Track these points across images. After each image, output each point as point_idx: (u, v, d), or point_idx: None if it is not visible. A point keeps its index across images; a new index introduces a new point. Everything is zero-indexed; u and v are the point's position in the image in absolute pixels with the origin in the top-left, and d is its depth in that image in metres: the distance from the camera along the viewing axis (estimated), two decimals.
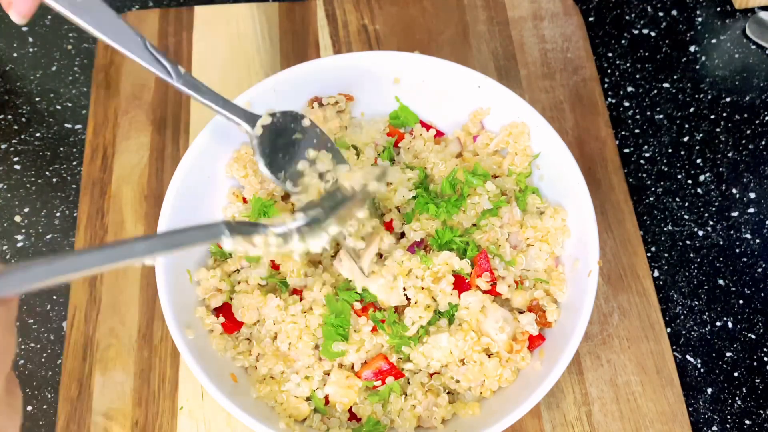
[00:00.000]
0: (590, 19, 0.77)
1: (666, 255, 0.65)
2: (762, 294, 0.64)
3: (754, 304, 0.63)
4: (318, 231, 0.48)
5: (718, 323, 0.63)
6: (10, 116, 0.72)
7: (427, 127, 0.64)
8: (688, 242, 0.66)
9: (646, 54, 0.75)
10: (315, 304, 0.54)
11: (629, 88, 0.73)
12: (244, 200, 0.60)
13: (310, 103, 0.62)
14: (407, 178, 0.58)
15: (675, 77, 0.74)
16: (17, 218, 0.67)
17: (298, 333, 0.53)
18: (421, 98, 0.63)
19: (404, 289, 0.54)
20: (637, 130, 0.71)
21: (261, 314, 0.55)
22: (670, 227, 0.67)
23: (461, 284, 0.55)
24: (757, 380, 0.60)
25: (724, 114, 0.72)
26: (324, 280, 0.55)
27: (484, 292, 0.55)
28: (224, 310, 0.56)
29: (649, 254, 0.65)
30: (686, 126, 0.71)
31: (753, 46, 0.75)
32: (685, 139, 0.71)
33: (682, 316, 0.63)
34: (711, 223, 0.67)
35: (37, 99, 0.72)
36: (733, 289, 0.64)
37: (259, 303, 0.55)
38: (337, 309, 0.54)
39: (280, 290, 0.56)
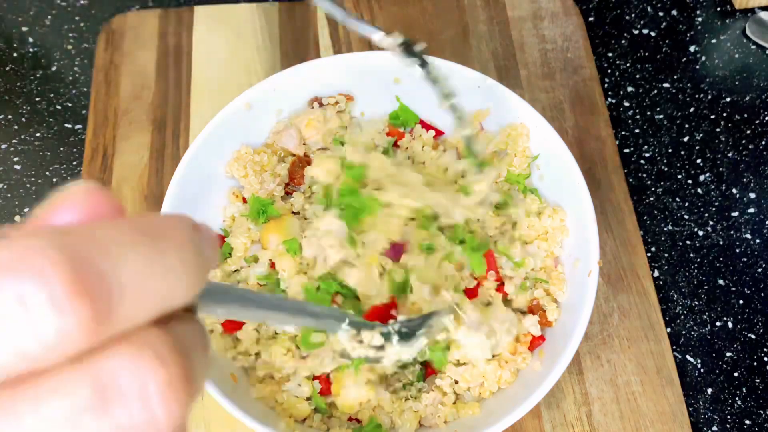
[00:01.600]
0: (590, 19, 0.77)
1: (666, 255, 0.65)
2: (762, 294, 0.64)
3: (754, 304, 0.63)
4: (412, 340, 0.45)
5: (718, 323, 0.63)
6: (10, 116, 0.72)
7: (428, 127, 0.63)
8: (688, 242, 0.66)
9: (646, 54, 0.75)
10: (297, 298, 0.54)
11: (629, 88, 0.73)
12: (244, 200, 0.60)
13: (310, 103, 0.62)
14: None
15: (675, 77, 0.74)
16: (17, 219, 0.67)
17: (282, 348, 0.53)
18: (421, 98, 0.63)
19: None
20: (637, 130, 0.71)
21: None
22: (670, 227, 0.67)
23: (469, 290, 0.55)
24: (757, 380, 0.60)
25: (724, 114, 0.72)
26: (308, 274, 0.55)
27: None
28: None
29: (649, 254, 0.65)
30: (686, 126, 0.71)
31: (753, 46, 0.75)
32: (685, 139, 0.71)
33: (682, 316, 0.63)
34: (711, 223, 0.67)
35: (37, 99, 0.72)
36: (733, 289, 0.64)
37: None
38: (317, 299, 0.53)
39: (274, 290, 0.56)
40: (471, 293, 0.55)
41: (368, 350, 0.43)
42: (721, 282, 0.64)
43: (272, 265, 0.57)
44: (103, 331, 0.16)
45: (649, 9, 0.78)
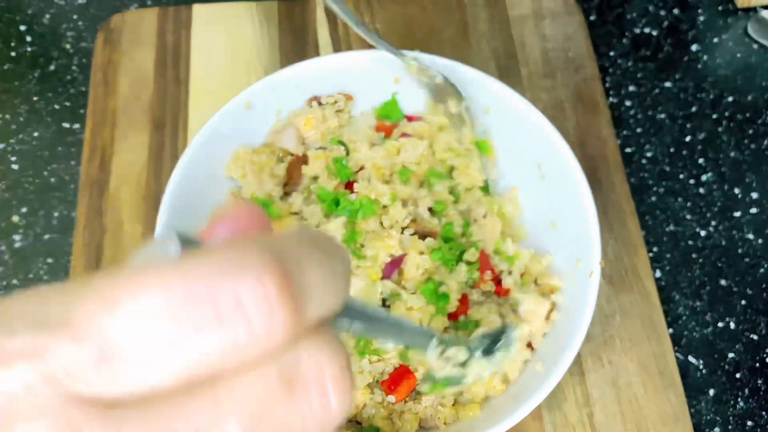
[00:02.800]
0: (591, 17, 0.77)
1: (668, 255, 0.65)
2: (764, 295, 0.63)
3: (757, 305, 0.63)
4: (492, 355, 0.44)
5: (720, 324, 0.62)
6: (8, 116, 0.71)
7: (411, 118, 0.63)
8: (690, 242, 0.66)
9: (648, 53, 0.75)
10: None
11: (631, 88, 0.73)
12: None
13: (309, 102, 0.62)
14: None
15: (677, 76, 0.74)
16: (15, 218, 0.67)
17: None
18: (422, 98, 0.63)
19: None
20: (638, 130, 0.71)
21: None
22: (672, 227, 0.66)
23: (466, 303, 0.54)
24: (760, 381, 0.60)
25: (727, 113, 0.72)
26: None
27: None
28: None
29: (650, 255, 0.65)
30: (688, 125, 0.71)
31: (755, 46, 0.75)
32: (687, 138, 0.71)
33: (684, 317, 0.63)
34: (713, 223, 0.66)
35: (35, 98, 0.72)
36: (736, 289, 0.64)
37: None
38: None
39: None
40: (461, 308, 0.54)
41: (453, 369, 0.42)
42: (723, 282, 0.64)
43: None
44: (296, 332, 0.18)
45: (650, 8, 0.78)
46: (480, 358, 0.42)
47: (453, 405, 0.54)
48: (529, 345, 0.54)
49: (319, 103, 0.62)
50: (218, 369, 0.17)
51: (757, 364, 0.61)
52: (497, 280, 0.56)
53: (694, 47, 0.75)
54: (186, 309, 0.16)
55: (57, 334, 0.16)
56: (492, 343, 0.44)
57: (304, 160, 0.61)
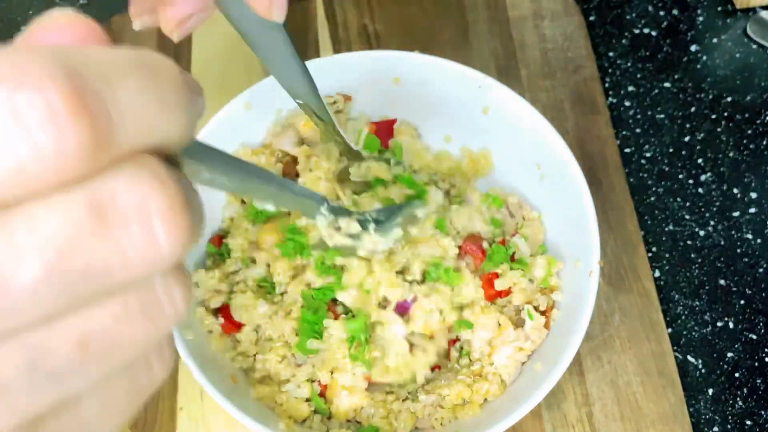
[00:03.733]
0: (591, 18, 0.77)
1: (667, 255, 0.65)
2: (763, 294, 0.63)
3: (755, 305, 0.63)
4: (388, 229, 0.43)
5: (719, 324, 0.62)
6: None
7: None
8: (689, 242, 0.66)
9: (647, 53, 0.75)
10: (294, 305, 0.54)
11: (630, 88, 0.73)
12: (243, 201, 0.60)
13: None
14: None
15: (676, 77, 0.74)
16: None
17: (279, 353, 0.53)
18: (421, 98, 0.63)
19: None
20: (638, 130, 0.71)
21: (253, 317, 0.55)
22: (671, 227, 0.66)
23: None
24: (759, 381, 0.60)
25: (726, 114, 0.72)
26: (306, 281, 0.54)
27: (489, 296, 0.55)
28: (224, 311, 0.56)
29: (650, 254, 0.65)
30: (687, 126, 0.71)
31: (754, 46, 0.75)
32: (686, 138, 0.71)
33: (683, 317, 0.63)
34: (712, 223, 0.67)
35: None
36: (735, 289, 0.64)
37: (249, 305, 0.54)
38: (314, 306, 0.53)
39: (270, 292, 0.56)
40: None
41: (345, 239, 0.41)
42: (722, 282, 0.64)
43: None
44: (101, 157, 0.15)
45: (650, 8, 0.78)
46: (374, 231, 0.42)
47: (452, 406, 0.54)
48: (546, 312, 0.55)
49: None
50: (4, 195, 0.15)
51: (756, 364, 0.61)
52: (490, 283, 0.56)
53: (693, 48, 0.76)
54: None
55: None
56: (393, 216, 0.43)
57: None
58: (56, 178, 0.15)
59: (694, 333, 0.62)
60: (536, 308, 0.55)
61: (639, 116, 0.72)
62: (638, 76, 0.74)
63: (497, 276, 0.55)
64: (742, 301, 0.63)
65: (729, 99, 0.72)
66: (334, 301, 0.53)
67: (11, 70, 0.14)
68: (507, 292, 0.56)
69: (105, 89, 0.15)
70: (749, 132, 0.71)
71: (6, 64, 0.14)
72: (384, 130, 0.62)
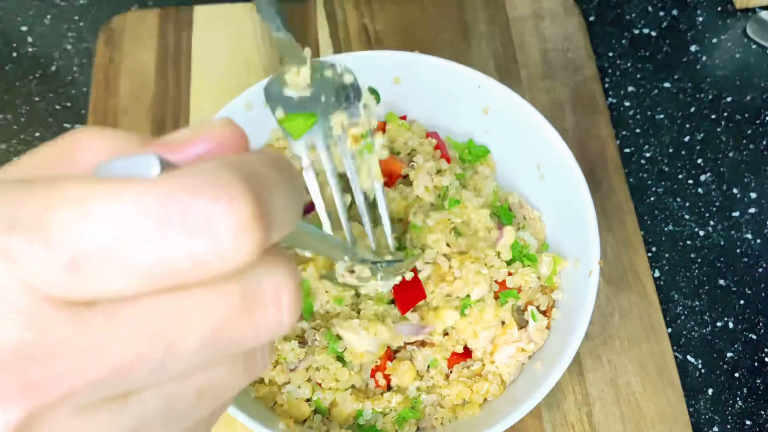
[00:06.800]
0: (591, 18, 0.77)
1: (667, 255, 0.65)
2: (763, 294, 0.63)
3: (755, 305, 0.63)
4: (392, 278, 0.49)
5: (719, 323, 0.62)
6: (9, 116, 0.71)
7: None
8: (689, 242, 0.66)
9: (647, 53, 0.75)
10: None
11: (630, 88, 0.73)
12: None
13: None
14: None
15: (676, 77, 0.74)
16: None
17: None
18: (422, 98, 0.63)
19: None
20: (637, 130, 0.71)
21: None
22: (670, 227, 0.66)
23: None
24: (758, 381, 0.60)
25: (725, 114, 0.72)
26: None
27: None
28: None
29: (649, 254, 0.65)
30: (687, 126, 0.71)
31: (754, 46, 0.75)
32: (686, 138, 0.71)
33: (683, 317, 0.63)
34: (712, 223, 0.67)
35: (36, 99, 0.72)
36: (734, 289, 0.64)
37: None
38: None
39: None
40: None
41: (354, 280, 0.48)
42: (722, 282, 0.64)
43: None
44: (259, 254, 0.18)
45: (649, 8, 0.78)
46: (379, 279, 0.49)
47: (452, 406, 0.54)
48: (546, 312, 0.55)
49: None
50: (184, 280, 0.17)
51: (756, 364, 0.61)
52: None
53: (692, 48, 0.76)
54: (157, 220, 0.17)
55: (30, 237, 0.16)
56: (399, 267, 0.50)
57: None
58: (227, 270, 0.18)
59: (693, 333, 0.62)
60: (537, 308, 0.55)
61: (639, 116, 0.72)
62: (638, 76, 0.74)
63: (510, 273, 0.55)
64: (742, 301, 0.63)
65: (729, 99, 0.73)
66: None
67: (207, 183, 0.17)
68: (518, 290, 0.56)
69: (270, 199, 0.18)
70: (749, 132, 0.71)
71: (202, 178, 0.17)
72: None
